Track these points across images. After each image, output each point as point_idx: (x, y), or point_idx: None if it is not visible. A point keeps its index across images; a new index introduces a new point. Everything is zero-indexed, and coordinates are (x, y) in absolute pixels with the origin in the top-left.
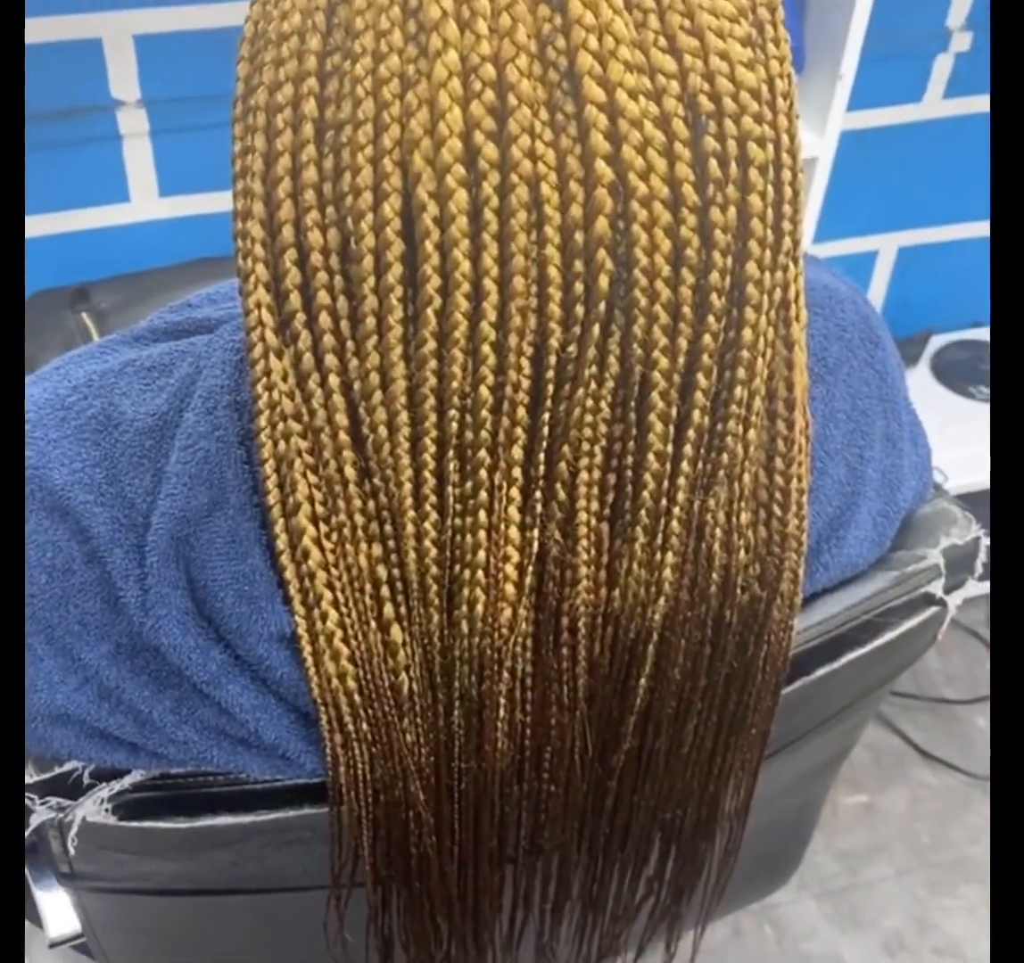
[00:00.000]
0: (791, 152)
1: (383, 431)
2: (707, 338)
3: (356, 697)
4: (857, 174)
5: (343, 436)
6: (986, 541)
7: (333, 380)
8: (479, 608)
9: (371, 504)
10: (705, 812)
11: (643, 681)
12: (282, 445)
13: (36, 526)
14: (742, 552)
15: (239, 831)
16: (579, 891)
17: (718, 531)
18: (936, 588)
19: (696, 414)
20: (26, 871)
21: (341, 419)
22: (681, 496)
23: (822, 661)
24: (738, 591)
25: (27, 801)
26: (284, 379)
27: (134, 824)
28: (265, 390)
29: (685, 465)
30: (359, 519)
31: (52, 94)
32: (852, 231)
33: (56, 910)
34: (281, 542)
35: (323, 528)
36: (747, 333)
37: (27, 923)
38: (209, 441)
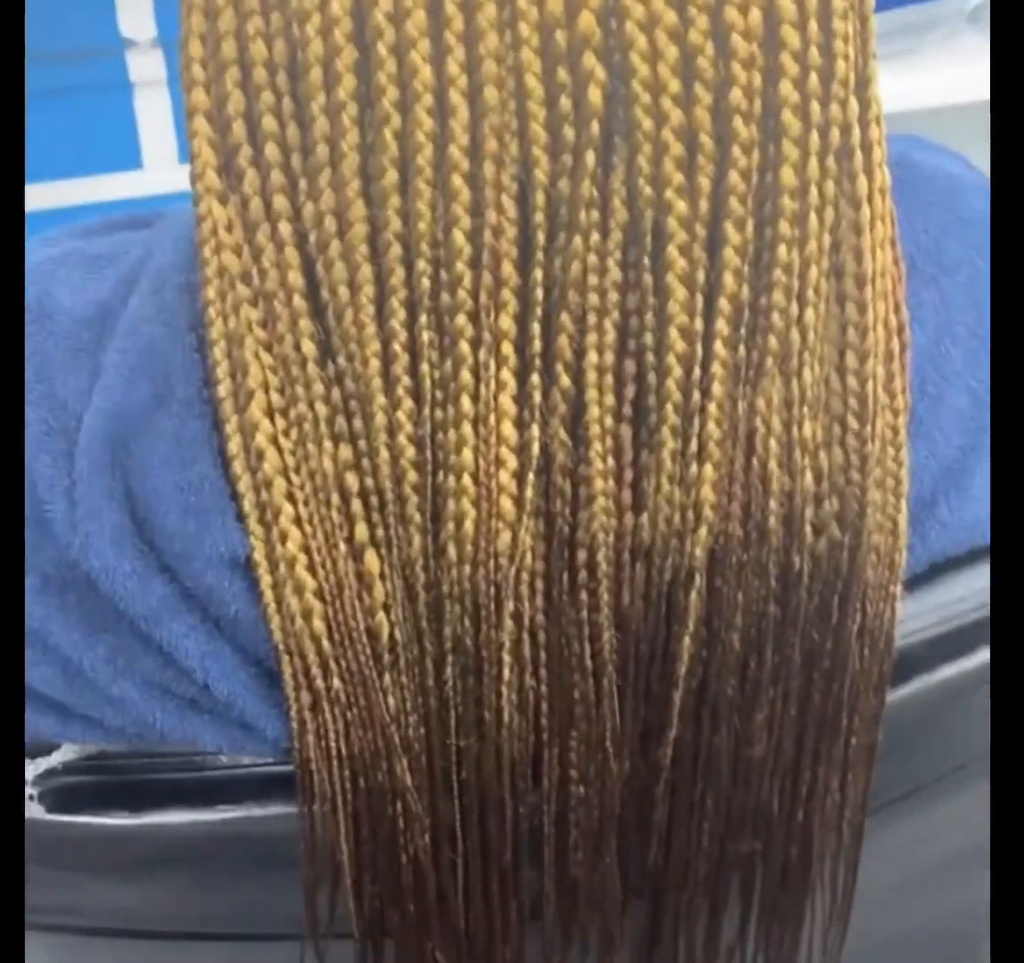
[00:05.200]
0: None
1: (343, 292)
2: (734, 176)
3: (324, 643)
4: None
5: (299, 300)
6: None
7: (284, 228)
8: (469, 527)
9: (336, 392)
10: (795, 851)
11: (687, 643)
12: (231, 320)
13: None
14: (809, 476)
15: (195, 836)
16: (632, 950)
17: (773, 443)
18: None
19: (729, 279)
20: None
21: (295, 278)
22: (718, 389)
23: (947, 657)
24: (808, 530)
25: None
26: (229, 230)
27: (66, 818)
28: (212, 253)
29: (720, 347)
30: (321, 410)
31: (52, 32)
32: None
33: None
34: (233, 443)
35: (280, 423)
36: (788, 175)
37: None
38: (154, 326)
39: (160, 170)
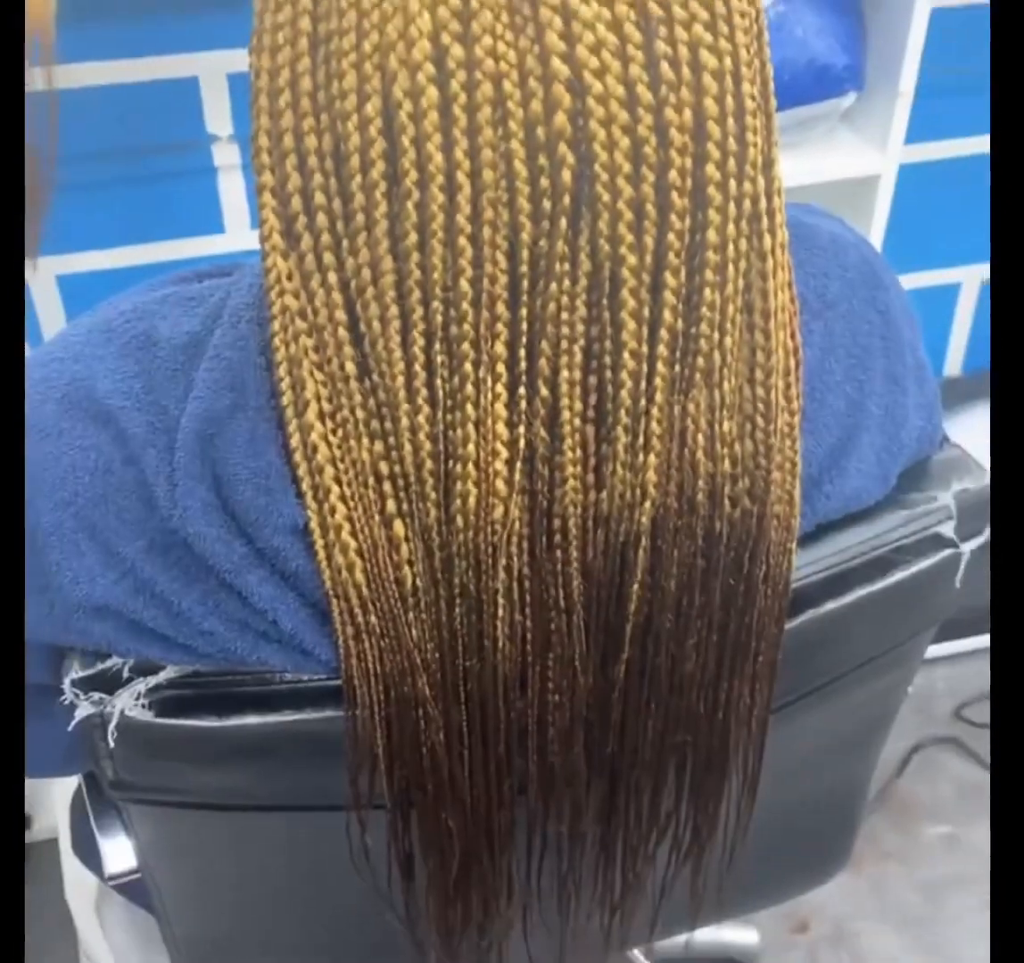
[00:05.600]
0: (754, 68)
1: (376, 326)
2: (671, 236)
3: (364, 590)
4: (936, 204)
5: (343, 332)
6: None
7: (332, 277)
8: (471, 502)
9: (371, 401)
10: (717, 742)
11: (636, 588)
12: (292, 347)
13: (82, 432)
14: (727, 462)
15: (265, 734)
16: (594, 816)
17: (700, 437)
18: (947, 529)
19: (667, 314)
20: (89, 815)
21: (340, 315)
22: (659, 397)
23: (831, 595)
24: (727, 502)
25: (72, 696)
26: (289, 279)
27: (169, 721)
28: (277, 296)
29: (661, 366)
30: (360, 414)
31: (153, 130)
32: (933, 263)
33: (114, 848)
34: (294, 440)
35: (329, 425)
36: (712, 235)
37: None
38: (233, 351)
39: (237, 234)
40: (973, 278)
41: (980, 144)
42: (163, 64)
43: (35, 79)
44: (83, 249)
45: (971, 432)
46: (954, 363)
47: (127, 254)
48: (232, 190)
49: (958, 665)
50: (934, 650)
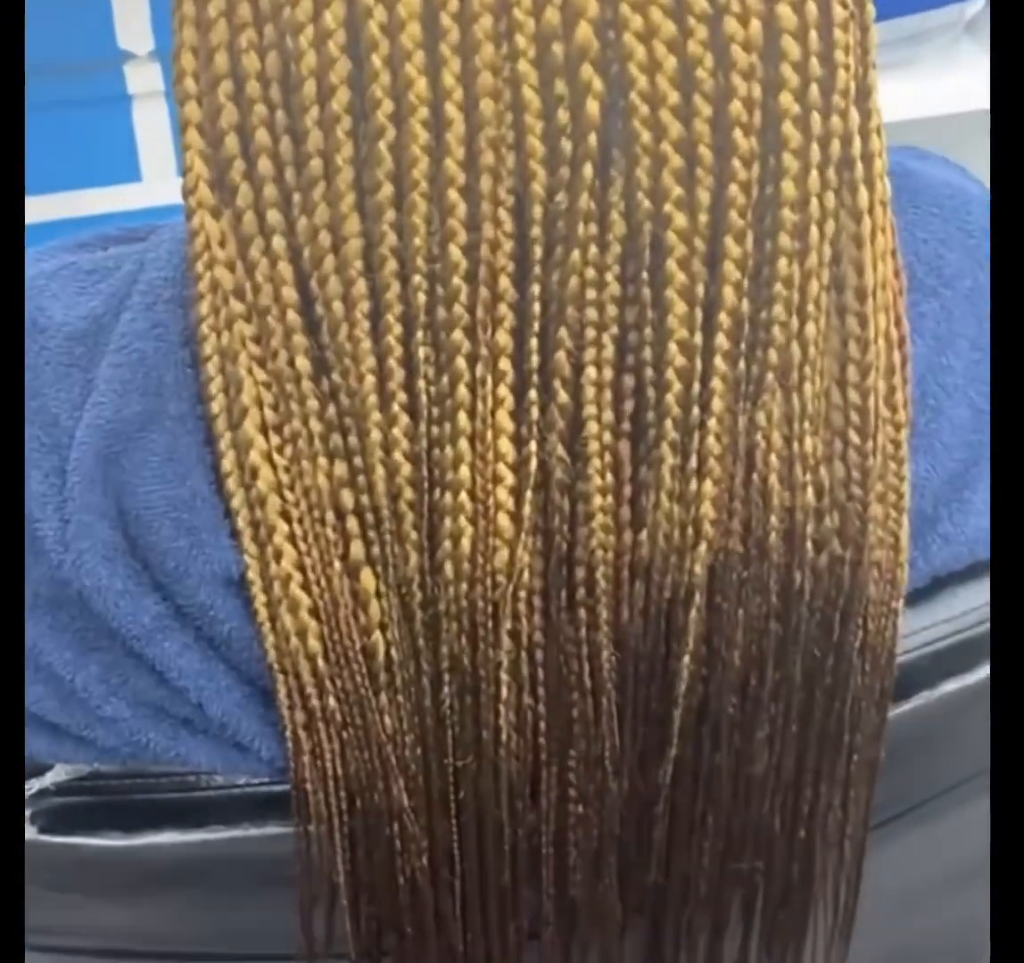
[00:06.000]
0: None
1: (338, 307)
2: (734, 189)
3: (320, 662)
4: None
5: (293, 316)
6: None
7: (278, 243)
8: (465, 544)
9: (331, 408)
10: (797, 870)
11: (687, 661)
12: (225, 336)
13: None
14: (809, 492)
15: (188, 858)
16: None
17: (774, 459)
18: None
19: (729, 293)
20: None
21: (289, 294)
22: (718, 404)
23: (951, 673)
24: (809, 546)
25: None
26: (222, 245)
27: (59, 839)
28: (205, 268)
29: (719, 361)
30: (316, 426)
31: (47, 46)
32: None
33: None
34: (227, 460)
35: (274, 440)
36: (789, 188)
37: None
38: (146, 341)
39: (159, 182)
40: None
41: None
42: None
43: None
44: None
45: None
46: None
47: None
48: (152, 124)
49: None
50: None
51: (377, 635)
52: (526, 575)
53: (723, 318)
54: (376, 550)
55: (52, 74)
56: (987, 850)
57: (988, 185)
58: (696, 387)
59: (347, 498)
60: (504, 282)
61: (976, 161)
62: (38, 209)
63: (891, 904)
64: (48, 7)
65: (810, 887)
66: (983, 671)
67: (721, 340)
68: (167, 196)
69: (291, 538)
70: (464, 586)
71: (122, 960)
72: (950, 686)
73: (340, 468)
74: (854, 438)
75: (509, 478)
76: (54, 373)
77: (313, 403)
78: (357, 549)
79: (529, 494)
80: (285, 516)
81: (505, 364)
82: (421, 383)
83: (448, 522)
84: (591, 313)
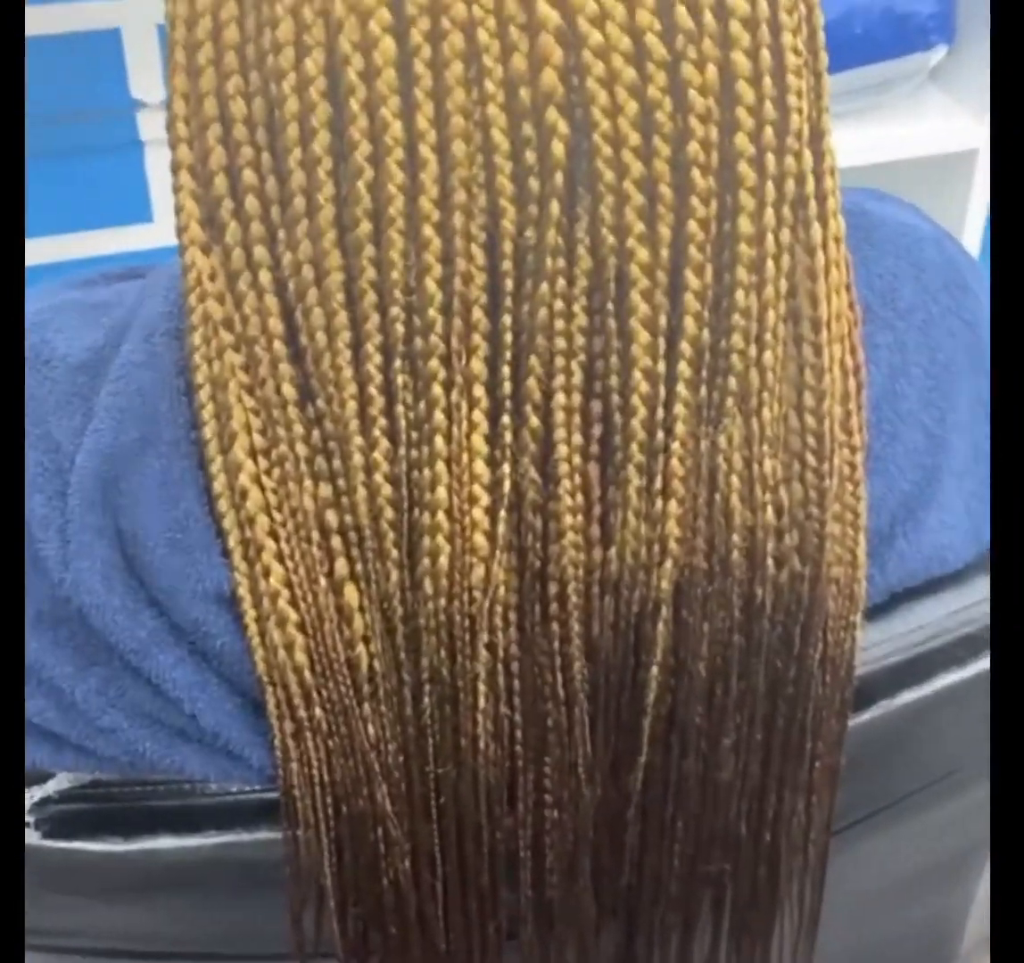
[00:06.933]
0: (798, 14)
1: (321, 338)
2: (693, 225)
3: (306, 674)
4: None
5: (279, 345)
6: None
7: (264, 277)
8: (443, 561)
9: (315, 433)
10: (763, 872)
11: (655, 672)
12: (215, 365)
13: None
14: (769, 511)
15: (184, 861)
16: None
17: (735, 480)
18: None
19: (690, 323)
20: None
21: (275, 325)
22: (681, 429)
23: (908, 683)
24: (770, 563)
25: None
26: (212, 279)
27: (61, 844)
28: (197, 301)
29: (682, 389)
30: (302, 450)
31: (63, 94)
32: None
33: None
34: (218, 483)
35: (263, 463)
36: (745, 224)
37: None
38: (143, 371)
39: (170, 223)
40: None
41: None
42: (79, 12)
43: None
44: None
45: None
46: None
47: (29, 249)
48: (163, 168)
49: None
50: None
51: (361, 648)
52: (501, 590)
53: (685, 347)
54: (359, 567)
55: (69, 121)
56: (946, 851)
57: (943, 229)
58: (660, 412)
59: (331, 518)
60: (477, 313)
61: (945, 199)
62: (55, 248)
63: (857, 903)
64: (67, 59)
65: (776, 888)
66: (940, 682)
67: (683, 368)
68: (174, 237)
69: (279, 556)
70: (443, 601)
71: (121, 960)
72: (908, 696)
73: (325, 489)
74: (811, 460)
75: (484, 498)
76: (57, 401)
77: (299, 428)
78: (341, 566)
79: (503, 513)
80: (273, 535)
81: (479, 391)
82: (400, 409)
83: (427, 540)
84: (560, 342)
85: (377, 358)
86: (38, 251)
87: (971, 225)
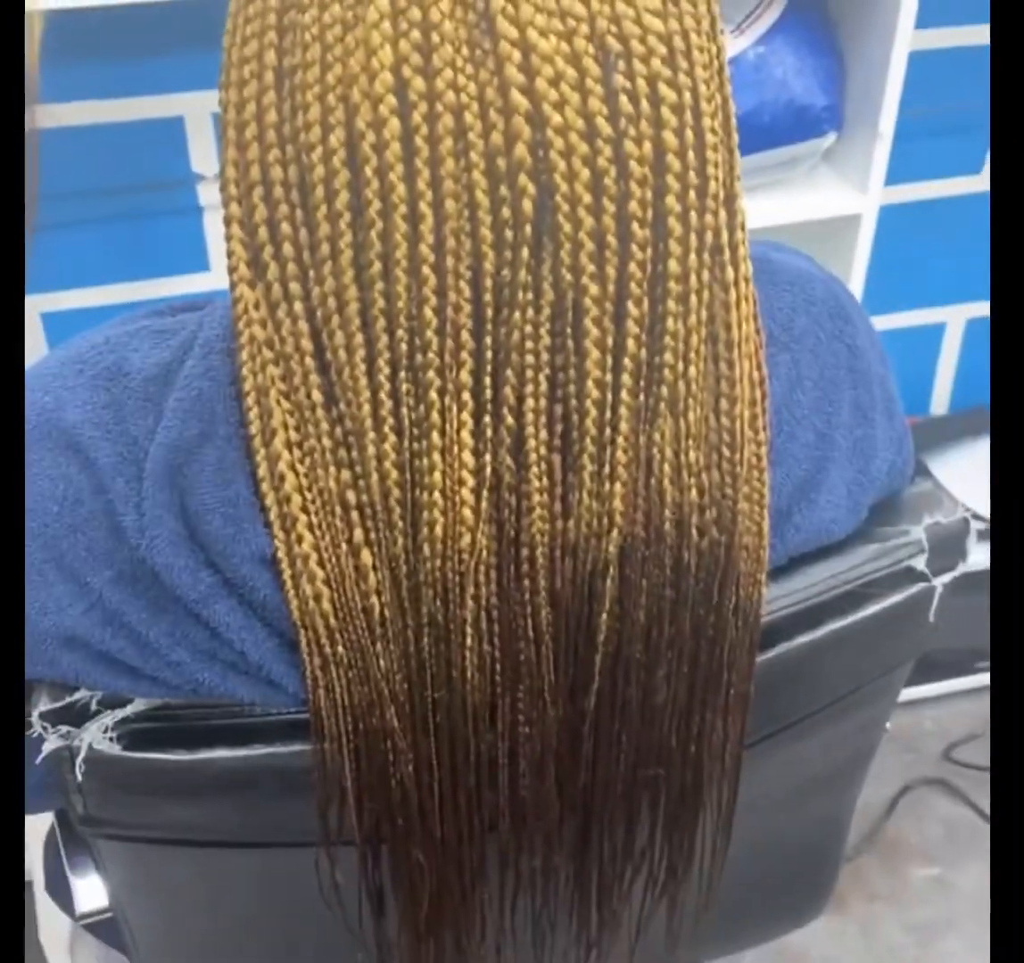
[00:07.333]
0: (714, 103)
1: (342, 354)
2: (633, 266)
3: (331, 620)
4: (918, 244)
5: (309, 360)
6: (978, 525)
7: (297, 306)
8: (438, 530)
9: (338, 430)
10: (690, 776)
11: (605, 618)
12: (260, 376)
13: (51, 462)
14: (694, 492)
15: (235, 769)
16: (568, 851)
17: (667, 467)
18: (919, 563)
19: (630, 343)
20: (60, 851)
21: (306, 344)
22: (625, 426)
23: (803, 628)
24: (694, 532)
25: (40, 729)
26: (257, 308)
27: (138, 754)
28: (245, 326)
29: (625, 395)
30: (327, 443)
31: (138, 169)
32: (918, 303)
33: (85, 887)
34: (261, 469)
35: (296, 453)
36: (673, 265)
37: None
38: (203, 381)
39: (222, 272)
40: (958, 317)
41: (960, 185)
42: (149, 104)
43: None
44: (68, 287)
45: (958, 469)
46: (940, 402)
47: (111, 292)
48: (217, 228)
49: (946, 706)
50: (922, 691)
51: (374, 599)
52: (484, 554)
53: (627, 362)
54: (373, 535)
55: (143, 191)
56: (834, 763)
57: (830, 273)
58: (608, 414)
59: (351, 497)
60: (465, 335)
61: (835, 255)
62: (131, 292)
63: (764, 804)
64: (141, 140)
65: (700, 790)
66: (827, 627)
67: (626, 378)
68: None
69: (309, 526)
70: (438, 562)
71: (183, 847)
72: (802, 639)
73: (345, 474)
74: (726, 452)
75: (470, 481)
76: (134, 406)
77: (325, 426)
78: (358, 535)
79: (485, 493)
80: (304, 510)
81: (466, 396)
82: (404, 411)
83: (425, 514)
84: (529, 358)
85: (387, 370)
86: (118, 294)
87: (856, 273)
